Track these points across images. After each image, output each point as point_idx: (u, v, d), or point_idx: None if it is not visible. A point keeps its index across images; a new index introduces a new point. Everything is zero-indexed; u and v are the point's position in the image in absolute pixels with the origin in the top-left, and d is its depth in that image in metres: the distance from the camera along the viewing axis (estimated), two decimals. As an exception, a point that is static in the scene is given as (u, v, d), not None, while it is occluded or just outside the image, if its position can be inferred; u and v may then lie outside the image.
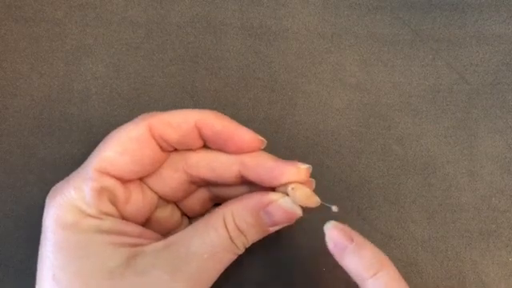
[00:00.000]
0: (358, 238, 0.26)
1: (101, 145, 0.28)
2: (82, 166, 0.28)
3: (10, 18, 0.34)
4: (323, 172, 0.33)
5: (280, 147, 0.33)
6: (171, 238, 0.27)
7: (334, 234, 0.26)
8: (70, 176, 0.28)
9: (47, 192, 0.27)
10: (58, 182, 0.32)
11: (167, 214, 0.30)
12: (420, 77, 0.34)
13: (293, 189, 0.27)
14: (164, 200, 0.30)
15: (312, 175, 0.28)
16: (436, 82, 0.34)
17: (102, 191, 0.27)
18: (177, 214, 0.30)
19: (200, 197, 0.30)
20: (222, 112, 0.33)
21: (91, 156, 0.28)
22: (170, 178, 0.29)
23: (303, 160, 0.33)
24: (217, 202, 0.31)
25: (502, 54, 0.34)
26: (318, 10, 0.35)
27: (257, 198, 0.27)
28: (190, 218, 0.31)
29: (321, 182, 0.32)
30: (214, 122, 0.28)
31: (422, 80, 0.34)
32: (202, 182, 0.29)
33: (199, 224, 0.27)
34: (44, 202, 0.27)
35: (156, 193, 0.29)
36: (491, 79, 0.34)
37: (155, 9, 0.34)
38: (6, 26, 0.34)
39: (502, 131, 0.34)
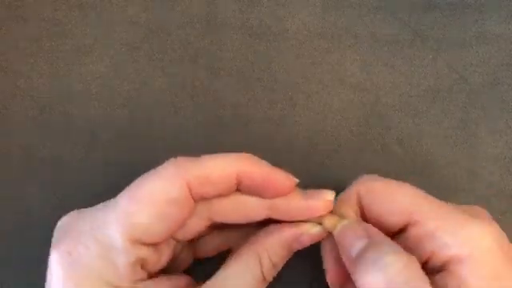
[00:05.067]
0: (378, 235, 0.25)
1: (128, 202, 0.24)
2: (100, 219, 0.24)
3: (10, 18, 0.34)
4: (323, 172, 0.33)
5: (280, 147, 0.33)
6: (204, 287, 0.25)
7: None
8: (83, 230, 0.24)
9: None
10: (57, 182, 0.32)
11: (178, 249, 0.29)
12: (420, 77, 0.34)
13: (334, 226, 0.27)
14: None
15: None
16: (436, 82, 0.34)
17: (136, 262, 0.25)
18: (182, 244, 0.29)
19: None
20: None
21: (113, 211, 0.25)
22: (194, 226, 0.27)
23: (303, 160, 0.33)
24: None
25: (501, 54, 0.34)
26: (318, 10, 0.35)
27: (291, 232, 0.27)
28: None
29: (321, 182, 0.32)
30: (254, 171, 0.26)
31: (422, 80, 0.34)
32: (222, 224, 0.28)
33: (231, 266, 0.26)
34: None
35: (177, 240, 0.28)
36: (491, 79, 0.34)
37: (155, 9, 0.34)
38: (6, 25, 0.34)
39: (502, 131, 0.34)
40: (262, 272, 0.26)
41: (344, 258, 0.26)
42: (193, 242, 0.30)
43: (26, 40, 0.34)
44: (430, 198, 0.27)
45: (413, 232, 0.26)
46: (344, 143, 0.33)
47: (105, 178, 0.32)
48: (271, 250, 0.26)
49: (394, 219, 0.26)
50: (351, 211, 0.27)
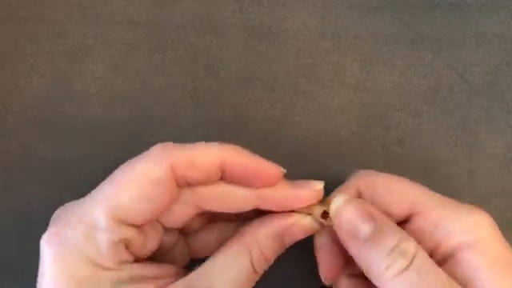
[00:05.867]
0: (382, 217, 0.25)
1: (112, 184, 0.25)
2: (87, 203, 0.25)
3: (10, 18, 0.34)
4: (323, 172, 0.33)
5: (280, 147, 0.33)
6: (192, 276, 0.25)
7: (348, 214, 0.25)
8: (72, 215, 0.25)
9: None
10: (57, 182, 0.32)
11: (170, 240, 0.29)
12: (420, 77, 0.34)
13: (327, 219, 0.27)
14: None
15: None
16: (436, 82, 0.34)
17: (119, 242, 0.25)
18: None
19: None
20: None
21: (99, 194, 0.25)
22: (181, 213, 0.27)
23: (303, 160, 0.33)
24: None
25: (501, 54, 0.34)
26: (318, 10, 0.35)
27: (281, 223, 0.27)
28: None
29: (321, 182, 0.32)
30: (236, 159, 0.26)
31: (422, 80, 0.34)
32: (211, 213, 0.28)
33: (219, 256, 0.26)
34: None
35: (163, 225, 0.28)
36: (491, 79, 0.34)
37: (155, 9, 0.34)
38: (6, 25, 0.34)
39: (502, 131, 0.34)
40: (252, 263, 0.26)
41: (344, 237, 0.25)
42: (185, 234, 0.30)
43: (26, 40, 0.34)
44: (430, 191, 0.27)
45: (416, 223, 0.26)
46: (344, 143, 0.33)
47: (105, 178, 0.32)
48: (261, 240, 0.26)
49: (396, 211, 0.27)
50: None
